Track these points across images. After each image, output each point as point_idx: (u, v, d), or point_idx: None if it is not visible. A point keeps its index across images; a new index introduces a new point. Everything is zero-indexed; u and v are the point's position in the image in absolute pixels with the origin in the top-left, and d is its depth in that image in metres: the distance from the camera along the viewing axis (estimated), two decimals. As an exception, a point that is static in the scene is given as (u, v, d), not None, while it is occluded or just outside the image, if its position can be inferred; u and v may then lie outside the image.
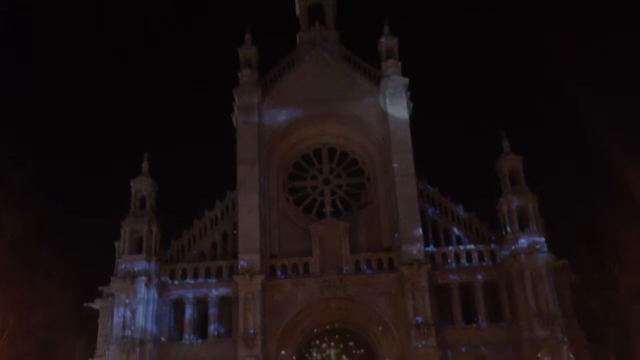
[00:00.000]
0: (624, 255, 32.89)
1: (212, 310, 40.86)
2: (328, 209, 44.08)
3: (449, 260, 41.37)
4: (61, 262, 31.20)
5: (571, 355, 36.30)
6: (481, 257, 41.44)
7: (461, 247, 41.87)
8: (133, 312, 39.11)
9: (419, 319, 38.46)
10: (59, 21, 78.59)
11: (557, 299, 38.50)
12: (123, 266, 40.65)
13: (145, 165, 43.97)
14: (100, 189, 62.14)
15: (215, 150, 60.40)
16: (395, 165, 43.20)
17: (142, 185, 43.12)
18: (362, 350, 41.79)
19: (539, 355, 36.53)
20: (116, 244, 43.48)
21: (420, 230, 41.38)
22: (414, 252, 40.37)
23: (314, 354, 41.92)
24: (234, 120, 47.85)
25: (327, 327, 41.99)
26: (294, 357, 40.73)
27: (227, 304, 41.16)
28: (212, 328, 40.52)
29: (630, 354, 36.16)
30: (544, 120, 66.76)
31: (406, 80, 46.00)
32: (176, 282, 41.54)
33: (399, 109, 44.85)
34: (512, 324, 39.22)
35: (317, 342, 41.97)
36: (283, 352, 39.86)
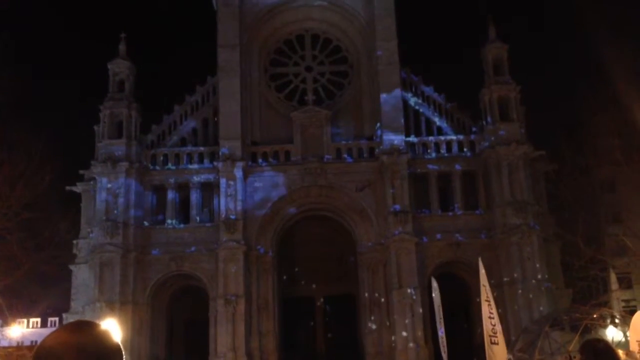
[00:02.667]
0: (600, 145, 33.41)
1: (194, 196, 41.28)
2: (310, 96, 43.59)
3: (428, 150, 41.75)
4: (40, 142, 30.91)
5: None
6: (460, 147, 41.84)
7: (441, 138, 42.11)
8: (115, 196, 39.41)
9: (397, 206, 39.35)
10: None
11: (532, 187, 39.50)
12: (103, 150, 40.48)
13: (122, 47, 42.58)
14: (78, 70, 60.59)
15: (196, 34, 58.72)
16: (379, 52, 42.44)
17: (119, 68, 42.03)
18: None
19: (511, 239, 37.90)
20: (96, 128, 42.99)
21: (402, 120, 41.43)
22: (395, 141, 40.59)
23: (295, 239, 43.10)
24: (213, 1, 46.09)
25: (308, 214, 42.81)
26: (275, 242, 41.80)
27: (208, 189, 41.57)
28: (194, 212, 41.11)
29: (599, 240, 37.68)
30: (532, 9, 65.29)
31: (393, -37, 44.17)
32: (157, 167, 41.59)
33: (385, -6, 43.38)
34: (486, 212, 40.32)
35: (298, 227, 43.00)
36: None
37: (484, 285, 17.12)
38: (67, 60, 63.43)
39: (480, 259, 18.52)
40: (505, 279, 37.58)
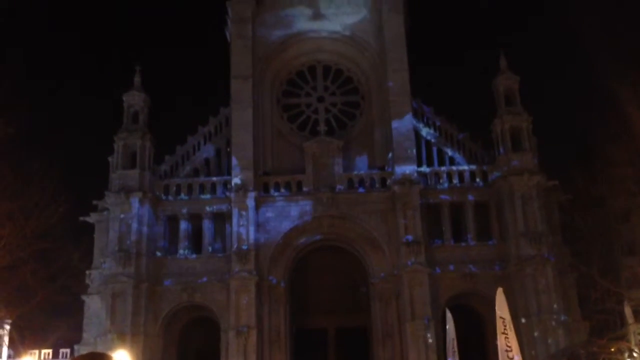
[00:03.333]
0: (614, 175, 33.17)
1: (207, 226, 41.33)
2: (322, 127, 43.84)
3: (440, 180, 41.63)
4: (54, 173, 31.20)
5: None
6: (473, 177, 41.69)
7: (453, 168, 42.04)
8: (128, 226, 39.55)
9: (410, 237, 39.13)
10: None
11: (546, 218, 39.16)
12: (117, 181, 40.78)
13: (137, 79, 43.23)
14: (93, 103, 61.43)
15: (209, 66, 59.46)
16: (390, 83, 42.71)
17: (134, 100, 42.61)
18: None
19: (526, 271, 37.44)
20: (110, 159, 43.38)
21: (414, 150, 41.50)
22: (407, 171, 40.58)
23: (307, 269, 42.89)
24: (227, 34, 46.81)
25: (319, 244, 42.67)
26: (287, 273, 41.60)
27: (221, 219, 41.63)
28: (206, 243, 41.12)
29: (614, 272, 37.13)
30: (542, 41, 65.60)
31: (404, -5, 44.76)
32: (170, 197, 41.78)
33: (395, 26, 43.86)
34: (500, 243, 39.98)
35: (310, 257, 42.82)
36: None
37: (500, 317, 16.76)
38: (82, 92, 64.42)
39: (501, 290, 17.82)
40: (520, 312, 37.01)
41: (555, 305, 36.77)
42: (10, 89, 25.79)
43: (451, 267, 39.71)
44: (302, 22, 45.46)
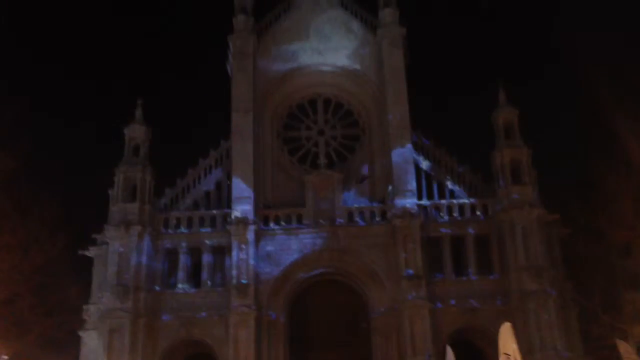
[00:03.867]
0: (615, 209, 33.12)
1: (206, 259, 41.09)
2: (322, 160, 44.00)
3: (441, 214, 41.57)
4: (54, 206, 31.22)
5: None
6: (473, 210, 41.62)
7: (454, 201, 42.01)
8: (127, 260, 39.33)
9: (410, 271, 38.89)
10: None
11: (547, 252, 38.98)
12: (117, 214, 40.70)
13: (138, 112, 43.54)
14: (93, 135, 61.65)
15: (210, 98, 59.85)
16: (390, 116, 42.97)
17: (135, 133, 42.80)
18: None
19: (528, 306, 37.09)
20: (110, 192, 43.37)
21: (414, 183, 41.50)
22: (407, 204, 40.55)
23: (307, 303, 42.50)
24: (228, 67, 47.28)
25: (320, 278, 42.41)
26: (287, 307, 41.22)
27: (220, 253, 41.42)
28: (205, 277, 40.81)
29: (618, 307, 36.78)
30: (541, 73, 66.19)
31: (403, 30, 45.32)
32: (170, 230, 41.66)
33: (395, 60, 44.33)
34: (501, 277, 39.67)
35: (310, 291, 42.49)
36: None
37: (505, 354, 16.30)
38: (82, 124, 64.80)
39: (509, 325, 17.09)
40: (522, 348, 36.45)
41: (558, 343, 36.34)
42: (13, 121, 25.98)
43: (452, 302, 39.35)
44: (303, 55, 45.95)
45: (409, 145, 42.35)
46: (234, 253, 39.90)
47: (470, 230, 40.94)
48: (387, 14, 45.65)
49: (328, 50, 45.84)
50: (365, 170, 44.45)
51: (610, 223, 33.62)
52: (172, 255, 41.59)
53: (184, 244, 41.18)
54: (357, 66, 45.61)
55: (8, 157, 26.50)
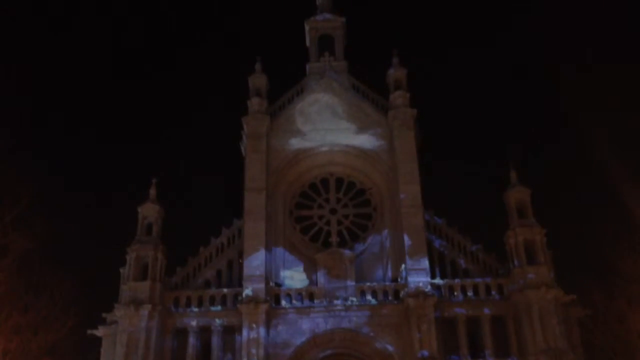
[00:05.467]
0: (634, 290, 32.49)
1: (216, 340, 40.39)
2: (334, 238, 43.99)
3: (455, 293, 40.95)
4: (65, 286, 31.10)
5: None
6: (488, 290, 41.00)
7: (468, 280, 41.50)
8: (136, 340, 38.74)
9: (425, 352, 37.97)
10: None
11: (565, 334, 38.00)
12: (127, 293, 40.47)
13: (152, 192, 44.08)
14: (106, 213, 62.10)
15: (223, 178, 60.54)
16: (402, 196, 43.17)
17: (149, 212, 43.18)
18: None
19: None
20: (121, 270, 43.34)
21: (427, 262, 41.13)
22: (420, 283, 40.08)
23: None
24: (242, 148, 48.13)
25: (332, 358, 41.41)
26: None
27: (231, 332, 40.77)
28: (215, 358, 39.97)
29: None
30: (558, 151, 66.57)
31: (414, 111, 46.31)
32: (180, 309, 41.21)
33: (406, 141, 45.04)
34: (519, 360, 38.63)
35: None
36: None
37: None
38: (95, 204, 65.50)
39: None
40: None
41: None
42: (28, 204, 26.34)
43: (469, 385, 38.14)
44: (316, 136, 46.78)
45: (422, 224, 42.29)
46: (245, 332, 39.25)
47: (486, 311, 40.17)
48: (398, 96, 46.76)
49: (340, 131, 46.71)
50: None
51: (629, 305, 32.92)
52: (182, 335, 40.92)
53: (194, 323, 40.63)
54: (369, 146, 46.31)
55: (24, 238, 26.69)
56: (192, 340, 40.38)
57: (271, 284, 41.73)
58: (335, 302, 40.52)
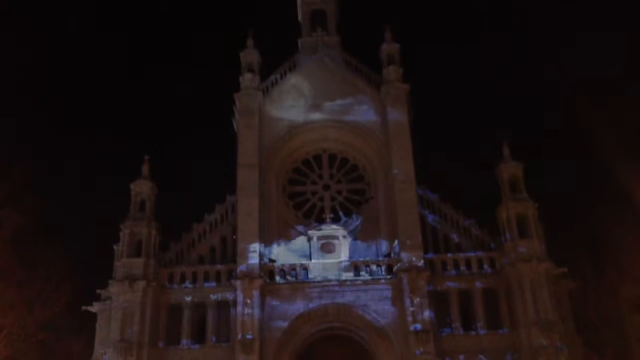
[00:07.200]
0: (624, 262, 32.88)
1: (211, 315, 40.71)
2: (327, 214, 44.12)
3: (448, 267, 41.31)
4: (59, 262, 31.19)
5: None
6: (480, 264, 41.37)
7: (460, 255, 41.82)
8: (131, 316, 38.98)
9: (418, 325, 38.39)
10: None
11: (557, 306, 38.50)
12: (121, 269, 40.58)
13: (145, 168, 43.99)
14: (99, 191, 61.96)
15: (216, 154, 60.43)
16: (395, 171, 43.27)
17: (142, 188, 43.13)
18: None
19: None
20: (115, 247, 43.40)
21: (420, 237, 41.37)
22: (413, 258, 40.35)
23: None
24: (234, 123, 47.99)
25: (326, 333, 41.80)
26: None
27: (225, 308, 41.04)
28: (210, 332, 40.33)
29: (629, 362, 36.05)
30: (546, 126, 66.71)
31: (407, 86, 46.21)
32: (175, 286, 41.41)
33: (399, 116, 45.01)
34: (511, 332, 39.07)
35: (316, 347, 41.80)
36: None
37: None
38: (88, 180, 65.26)
39: None
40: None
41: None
42: (20, 179, 26.30)
43: (461, 357, 38.70)
44: (308, 112, 46.71)
45: (415, 199, 42.46)
46: (239, 308, 39.51)
47: (478, 284, 40.59)
48: (391, 71, 46.60)
49: (333, 107, 46.61)
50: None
51: (620, 277, 33.34)
52: (176, 311, 41.16)
53: (188, 299, 40.88)
54: (362, 122, 46.24)
55: (16, 214, 26.71)
56: (186, 315, 40.64)
57: (265, 260, 41.90)
58: (329, 277, 40.75)
